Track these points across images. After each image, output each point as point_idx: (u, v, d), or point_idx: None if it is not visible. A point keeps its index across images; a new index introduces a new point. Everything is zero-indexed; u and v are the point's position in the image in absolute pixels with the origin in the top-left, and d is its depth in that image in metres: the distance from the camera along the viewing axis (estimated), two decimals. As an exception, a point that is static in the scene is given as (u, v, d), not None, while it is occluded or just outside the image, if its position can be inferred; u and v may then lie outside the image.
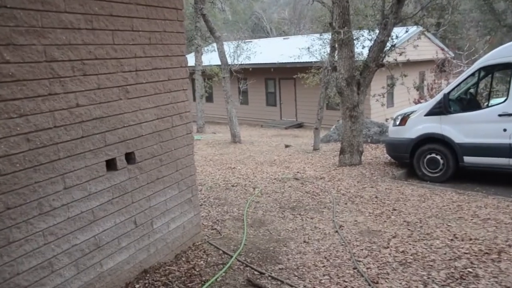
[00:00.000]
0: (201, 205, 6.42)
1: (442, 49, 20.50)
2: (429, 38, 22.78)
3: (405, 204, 6.19)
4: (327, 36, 12.76)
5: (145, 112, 3.94)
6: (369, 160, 9.64)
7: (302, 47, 12.60)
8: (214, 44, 17.81)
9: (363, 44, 10.18)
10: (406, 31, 19.19)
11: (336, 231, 5.17)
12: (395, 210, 5.92)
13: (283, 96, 23.74)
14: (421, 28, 20.53)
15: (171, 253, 4.41)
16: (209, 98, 26.33)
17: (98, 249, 3.50)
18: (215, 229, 5.36)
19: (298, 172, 8.75)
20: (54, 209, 3.12)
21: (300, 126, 22.90)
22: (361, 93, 8.65)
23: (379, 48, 8.21)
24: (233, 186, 7.62)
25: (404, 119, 8.70)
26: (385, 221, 5.49)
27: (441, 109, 8.07)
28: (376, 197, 6.59)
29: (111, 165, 3.63)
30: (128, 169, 3.79)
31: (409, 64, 13.53)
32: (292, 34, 37.99)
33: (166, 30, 4.14)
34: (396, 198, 6.53)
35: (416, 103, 13.66)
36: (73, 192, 3.26)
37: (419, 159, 8.43)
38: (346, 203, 6.30)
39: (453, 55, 22.98)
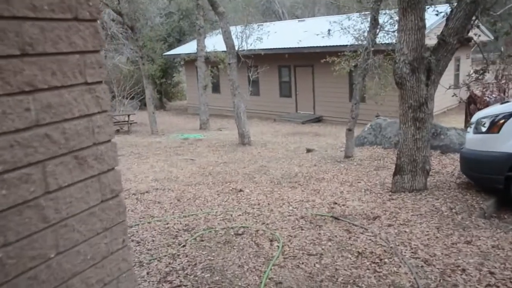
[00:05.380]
0: (178, 286, 3.61)
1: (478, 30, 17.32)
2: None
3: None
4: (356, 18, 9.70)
5: None
6: (432, 180, 6.72)
7: (334, 22, 9.66)
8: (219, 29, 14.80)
9: (436, 9, 7.17)
10: (437, 14, 16.09)
11: None
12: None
13: (299, 86, 20.79)
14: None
15: None
16: (216, 89, 23.48)
17: None
18: None
19: (335, 202, 5.88)
20: None
21: (318, 120, 19.98)
22: (431, 84, 5.74)
23: (466, 13, 5.26)
24: (237, 234, 4.78)
25: (495, 124, 5.77)
26: None
27: None
28: (490, 272, 3.68)
29: None
30: None
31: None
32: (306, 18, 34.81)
33: None
34: (530, 275, 3.65)
35: (473, 100, 10.60)
36: None
37: (522, 185, 5.55)
38: (444, 292, 3.43)
39: (492, 37, 19.86)
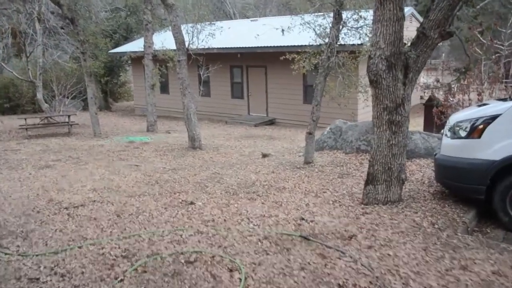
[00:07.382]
0: None
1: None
2: (417, 20, 19.61)
3: None
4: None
5: None
6: (403, 189, 6.10)
7: (296, 16, 8.88)
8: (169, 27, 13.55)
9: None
10: (416, 4, 15.89)
11: None
12: None
13: (252, 87, 20.03)
14: (411, 8, 17.33)
15: None
16: (164, 89, 22.33)
17: None
18: None
19: (301, 217, 5.11)
20: None
21: (272, 123, 19.31)
22: (408, 83, 5.10)
23: (450, 3, 4.66)
24: (188, 262, 3.90)
25: (476, 128, 5.22)
26: None
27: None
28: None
29: None
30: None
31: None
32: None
33: None
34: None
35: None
36: None
37: (506, 195, 5.01)
38: None
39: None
